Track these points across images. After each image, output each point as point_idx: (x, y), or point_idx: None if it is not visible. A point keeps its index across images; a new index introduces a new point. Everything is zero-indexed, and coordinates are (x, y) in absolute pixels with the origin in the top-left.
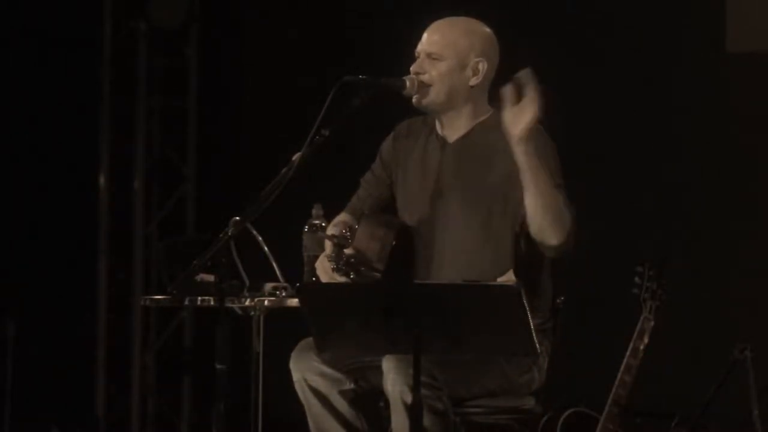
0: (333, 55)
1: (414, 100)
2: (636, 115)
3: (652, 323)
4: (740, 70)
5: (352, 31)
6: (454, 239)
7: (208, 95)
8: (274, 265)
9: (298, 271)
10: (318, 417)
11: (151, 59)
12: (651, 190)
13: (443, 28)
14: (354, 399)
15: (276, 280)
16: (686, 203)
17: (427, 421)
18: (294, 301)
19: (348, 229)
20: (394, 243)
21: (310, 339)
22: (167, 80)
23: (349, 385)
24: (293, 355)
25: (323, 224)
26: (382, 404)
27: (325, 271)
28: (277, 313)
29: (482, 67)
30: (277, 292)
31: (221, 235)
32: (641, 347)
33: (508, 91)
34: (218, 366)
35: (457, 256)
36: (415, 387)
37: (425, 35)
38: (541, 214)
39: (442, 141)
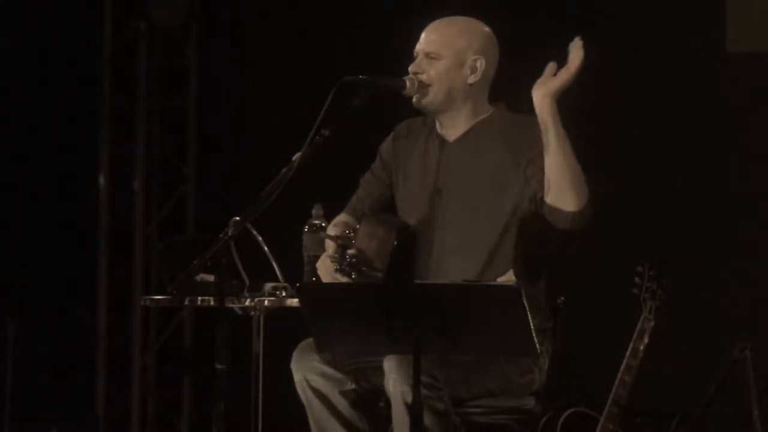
0: (333, 55)
1: (414, 100)
2: (636, 115)
3: (652, 323)
4: (740, 70)
5: (352, 31)
6: (454, 239)
7: (208, 95)
8: (274, 265)
9: (298, 271)
10: (319, 417)
11: (151, 59)
12: (651, 191)
13: (441, 27)
14: (355, 399)
15: (276, 280)
16: (686, 203)
17: (427, 421)
18: (294, 301)
19: (350, 230)
20: (395, 243)
21: (311, 339)
22: (167, 80)
23: (350, 386)
24: (294, 355)
25: (323, 224)
26: (382, 404)
27: (326, 271)
28: (277, 313)
29: (480, 65)
30: (277, 292)
31: (221, 235)
32: (641, 347)
33: (549, 67)
34: (218, 366)
35: (456, 256)
36: (415, 387)
37: (423, 35)
38: (562, 176)
39: (442, 140)
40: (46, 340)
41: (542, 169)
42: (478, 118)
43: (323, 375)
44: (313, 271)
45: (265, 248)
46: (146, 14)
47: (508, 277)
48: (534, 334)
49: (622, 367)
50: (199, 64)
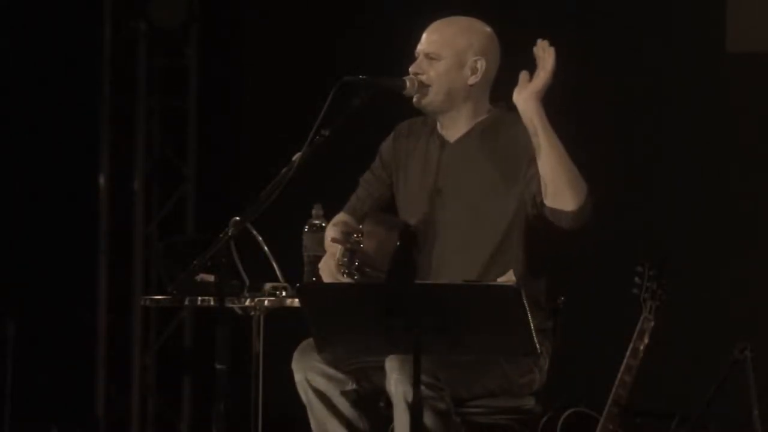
0: (333, 55)
1: (414, 100)
2: (636, 115)
3: (652, 323)
4: (740, 70)
5: (352, 31)
6: (454, 239)
7: (208, 95)
8: (274, 265)
9: (298, 271)
10: (320, 417)
11: (151, 59)
12: (651, 190)
13: (441, 27)
14: (356, 399)
15: (276, 280)
16: (686, 203)
17: (429, 420)
18: (294, 301)
19: (359, 234)
20: (397, 244)
21: (312, 339)
22: (167, 80)
23: (351, 386)
24: (295, 355)
25: (323, 224)
26: (382, 404)
27: (329, 272)
28: (277, 313)
29: (481, 65)
30: (277, 292)
31: (221, 235)
32: (641, 347)
33: (522, 75)
34: (218, 366)
35: (457, 257)
36: (415, 387)
37: (424, 35)
38: (558, 176)
39: (443, 141)
40: (46, 340)
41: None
42: (478, 119)
43: (324, 375)
44: (313, 271)
45: (265, 248)
46: (146, 14)
47: (508, 277)
48: (534, 334)
49: (622, 367)
50: (199, 64)
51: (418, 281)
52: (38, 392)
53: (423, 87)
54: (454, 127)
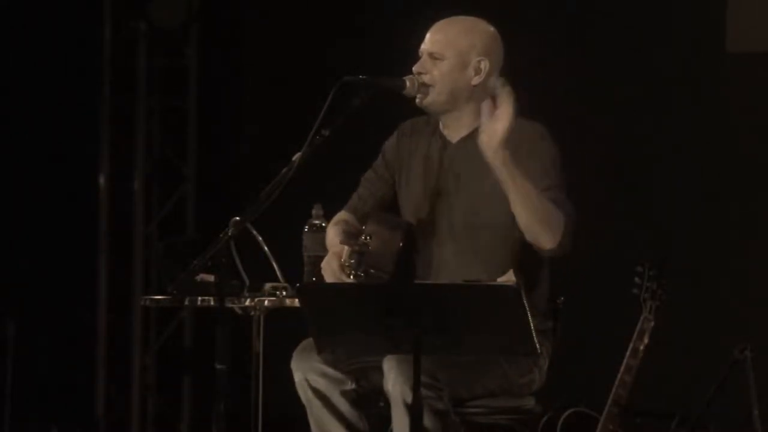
0: (333, 55)
1: (417, 100)
2: (636, 115)
3: (652, 323)
4: (740, 70)
5: (352, 31)
6: (455, 240)
7: (208, 95)
8: (274, 265)
9: (298, 271)
10: (319, 417)
11: (151, 59)
12: (651, 191)
13: (445, 27)
14: (355, 399)
15: (276, 280)
16: (686, 203)
17: (427, 421)
18: (294, 301)
19: (367, 236)
20: (400, 245)
21: (312, 339)
22: (167, 80)
23: (350, 386)
24: (295, 355)
25: (323, 224)
26: (382, 404)
27: (331, 271)
28: (277, 313)
29: (484, 66)
30: (277, 292)
31: (221, 235)
32: (641, 347)
33: (485, 106)
34: (218, 366)
35: (458, 257)
36: (415, 387)
37: (428, 35)
38: (530, 221)
39: (445, 141)
40: (46, 340)
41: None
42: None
43: (324, 375)
44: (313, 271)
45: (265, 248)
46: (146, 14)
47: (508, 277)
48: (534, 334)
49: (622, 367)
50: (199, 64)
51: (418, 281)
52: (38, 392)
53: (424, 87)
54: (457, 128)
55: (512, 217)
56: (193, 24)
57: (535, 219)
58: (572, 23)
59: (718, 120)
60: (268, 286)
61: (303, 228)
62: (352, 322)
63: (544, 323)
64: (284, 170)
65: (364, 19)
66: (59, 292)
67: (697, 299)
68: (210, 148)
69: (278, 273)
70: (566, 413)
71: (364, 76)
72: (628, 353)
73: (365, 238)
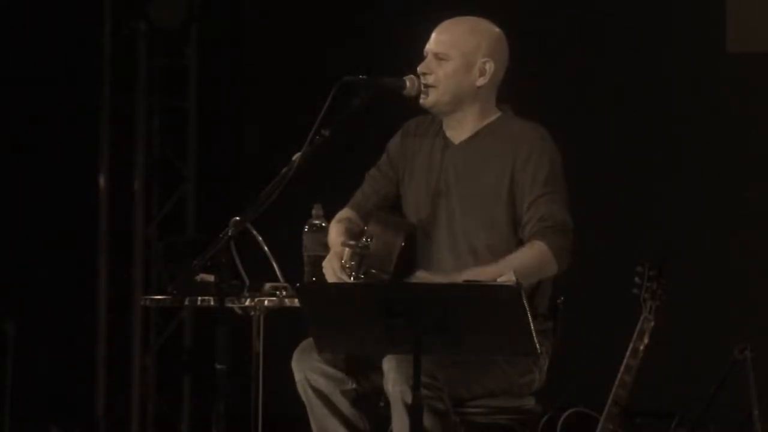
0: (333, 55)
1: (420, 100)
2: (636, 115)
3: (652, 323)
4: (740, 70)
5: (352, 31)
6: (456, 241)
7: (208, 95)
8: (274, 265)
9: (298, 271)
10: (320, 417)
11: (151, 59)
12: (651, 191)
13: (451, 27)
14: (356, 399)
15: (276, 280)
16: (686, 203)
17: (427, 421)
18: (294, 301)
19: (369, 238)
20: (402, 245)
21: (312, 339)
22: (167, 80)
23: (351, 385)
24: (295, 355)
25: (323, 224)
26: (382, 404)
27: (332, 271)
28: (277, 313)
29: (489, 67)
30: (277, 292)
31: (221, 235)
32: (641, 347)
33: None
34: (218, 366)
35: (459, 258)
36: (415, 387)
37: (433, 35)
38: (529, 281)
39: (448, 142)
40: (46, 340)
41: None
42: (485, 122)
43: (324, 374)
44: (313, 271)
45: (265, 248)
46: (146, 14)
47: (508, 277)
48: (534, 334)
49: (622, 367)
50: (199, 64)
51: (418, 281)
52: (38, 392)
53: (427, 87)
54: (460, 129)
55: (512, 221)
56: (193, 24)
57: (533, 278)
58: (572, 23)
59: (718, 120)
60: (268, 286)
61: (303, 228)
62: (352, 322)
63: (544, 323)
64: (284, 170)
65: (364, 20)
66: (59, 292)
67: (697, 299)
68: (210, 148)
69: (278, 273)
70: (566, 413)
71: (364, 76)
72: (628, 353)
73: (366, 240)
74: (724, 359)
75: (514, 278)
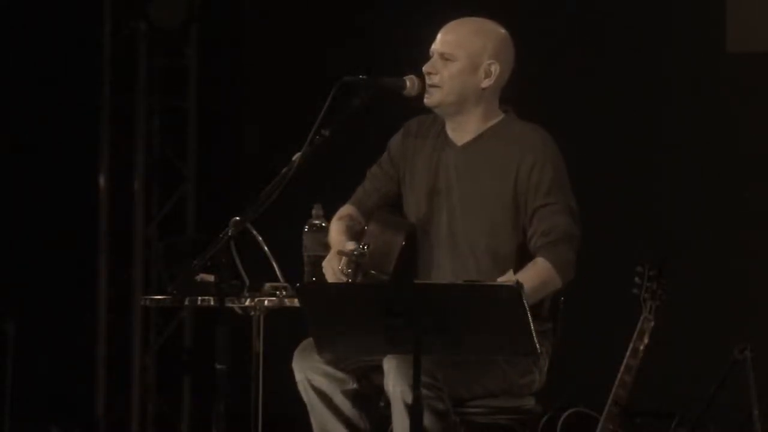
0: (333, 55)
1: (425, 99)
2: (636, 115)
3: (652, 323)
4: (740, 70)
5: (352, 31)
6: (456, 242)
7: (208, 95)
8: (274, 265)
9: (298, 271)
10: (321, 417)
11: (151, 59)
12: (651, 190)
13: (457, 28)
14: (357, 399)
15: (276, 280)
16: (686, 203)
17: (427, 421)
18: (294, 301)
19: (365, 245)
20: (402, 245)
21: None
22: (167, 80)
23: (352, 385)
24: (296, 354)
25: (323, 224)
26: (383, 404)
27: (333, 271)
28: (277, 313)
29: (495, 69)
30: (277, 292)
31: (221, 235)
32: (641, 347)
33: None
34: (218, 366)
35: (458, 260)
36: (415, 387)
37: (439, 35)
38: (534, 299)
39: (450, 144)
40: (46, 340)
41: (540, 209)
42: (488, 124)
43: (325, 375)
44: (313, 271)
45: (265, 248)
46: (146, 14)
47: (508, 277)
48: (534, 334)
49: (622, 367)
50: (199, 64)
51: (418, 281)
52: (38, 392)
53: (432, 87)
54: (463, 131)
55: (514, 222)
56: (193, 24)
57: (538, 297)
58: (572, 23)
59: (718, 120)
60: (268, 286)
61: (303, 228)
62: (352, 322)
63: (545, 324)
64: (284, 170)
65: (364, 20)
66: (59, 292)
67: (697, 299)
68: (210, 148)
69: (278, 273)
70: (566, 413)
71: (364, 76)
72: (628, 353)
73: (363, 248)
74: (724, 359)
75: (514, 278)
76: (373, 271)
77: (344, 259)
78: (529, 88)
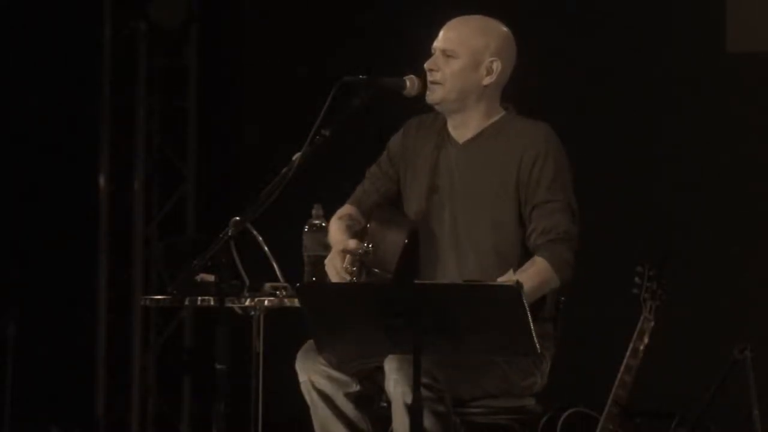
0: (333, 54)
1: (426, 97)
2: (636, 115)
3: (652, 323)
4: (740, 70)
5: (352, 31)
6: (460, 241)
7: (208, 95)
8: (274, 265)
9: (298, 271)
10: (323, 418)
11: (151, 59)
12: (651, 190)
13: (459, 25)
14: (359, 401)
15: (276, 280)
16: (686, 203)
17: (427, 422)
18: (294, 301)
19: (370, 244)
20: (405, 242)
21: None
22: (167, 80)
23: (354, 388)
24: (299, 356)
25: (323, 224)
26: (384, 404)
27: (335, 270)
28: (277, 313)
29: (496, 66)
30: (277, 292)
31: (221, 235)
32: (641, 347)
33: None
34: (218, 366)
35: (462, 258)
36: (414, 387)
37: (441, 32)
38: (532, 298)
39: (453, 142)
40: (46, 340)
41: (540, 205)
42: (489, 121)
43: (329, 377)
44: (313, 271)
45: (265, 248)
46: (146, 14)
47: (508, 277)
48: (534, 334)
49: (622, 367)
50: (199, 64)
51: (418, 281)
52: (38, 392)
53: (433, 84)
54: (465, 128)
55: (514, 222)
56: (193, 24)
57: (537, 296)
58: (572, 23)
59: (718, 120)
60: (268, 286)
61: (303, 228)
62: (352, 322)
63: (548, 327)
64: (284, 170)
65: (364, 19)
66: (59, 292)
67: (697, 299)
68: (210, 148)
69: (278, 273)
70: (566, 413)
71: (364, 76)
72: (628, 353)
73: (367, 246)
74: (724, 359)
75: (514, 278)
76: (376, 270)
77: (348, 257)
78: (529, 87)
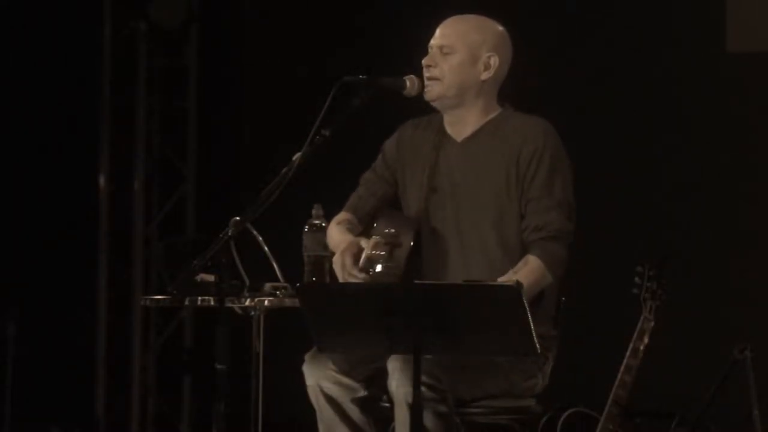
0: (333, 55)
1: (425, 94)
2: (636, 115)
3: (652, 323)
4: (740, 70)
5: (352, 31)
6: (464, 238)
7: (208, 95)
8: (274, 265)
9: (298, 271)
10: (329, 422)
11: (151, 59)
12: (651, 190)
13: (456, 22)
14: (365, 405)
15: (276, 280)
16: (686, 203)
17: (429, 422)
18: (294, 301)
19: (396, 229)
20: (411, 244)
21: None
22: (167, 80)
23: (362, 393)
24: (308, 359)
25: (323, 224)
26: (388, 404)
27: (343, 267)
28: (277, 313)
29: (494, 62)
30: (277, 292)
31: (221, 235)
32: (641, 347)
33: None
34: (218, 366)
35: (467, 257)
36: (415, 386)
37: (438, 29)
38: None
39: (451, 140)
40: (46, 340)
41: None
42: (487, 118)
43: (337, 382)
44: (313, 271)
45: (265, 248)
46: (146, 14)
47: (508, 277)
48: (534, 334)
49: (622, 367)
50: (199, 64)
51: (417, 281)
52: (38, 392)
53: (431, 80)
54: (463, 126)
55: (514, 219)
56: (193, 24)
57: (530, 294)
58: (572, 23)
59: (718, 120)
60: (268, 286)
61: (303, 228)
62: (352, 322)
63: (551, 329)
64: (284, 170)
65: (364, 19)
66: (59, 292)
67: (697, 299)
68: (210, 148)
69: (278, 273)
70: (566, 413)
71: (364, 76)
72: (628, 353)
73: (393, 230)
74: (724, 359)
75: (514, 278)
76: (390, 264)
77: (372, 241)
78: (528, 87)
